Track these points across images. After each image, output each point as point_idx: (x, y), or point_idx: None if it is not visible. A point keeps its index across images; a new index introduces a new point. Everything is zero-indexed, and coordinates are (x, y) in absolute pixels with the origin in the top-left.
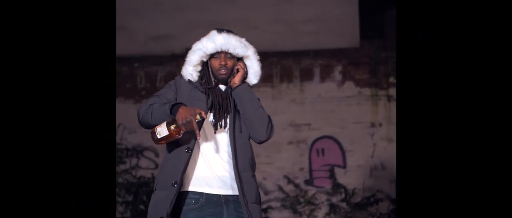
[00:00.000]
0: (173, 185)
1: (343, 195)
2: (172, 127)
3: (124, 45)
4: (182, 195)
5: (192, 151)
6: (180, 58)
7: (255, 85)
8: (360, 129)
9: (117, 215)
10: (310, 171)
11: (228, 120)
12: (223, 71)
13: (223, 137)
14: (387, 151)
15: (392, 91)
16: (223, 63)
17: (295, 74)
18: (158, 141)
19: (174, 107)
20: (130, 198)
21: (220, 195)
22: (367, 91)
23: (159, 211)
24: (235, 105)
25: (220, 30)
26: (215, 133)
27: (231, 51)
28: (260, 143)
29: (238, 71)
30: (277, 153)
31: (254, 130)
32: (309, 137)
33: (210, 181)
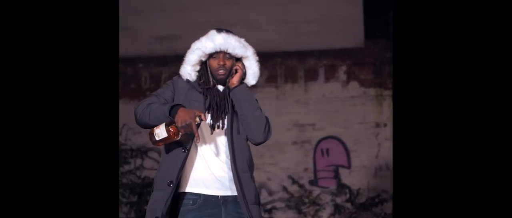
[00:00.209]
0: (168, 185)
1: (347, 196)
2: (171, 129)
3: (128, 46)
4: (180, 196)
5: (189, 151)
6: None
7: (259, 85)
8: (365, 129)
9: (122, 215)
10: (315, 171)
11: (225, 121)
12: (221, 71)
13: (220, 138)
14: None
15: None
16: (221, 63)
17: (299, 74)
18: (156, 142)
19: (173, 109)
20: (134, 199)
21: (217, 196)
22: (371, 91)
23: (155, 211)
24: (233, 106)
25: (219, 30)
26: (212, 133)
27: (230, 51)
28: (257, 144)
29: (236, 71)
30: (282, 153)
31: (251, 131)
32: (313, 137)
33: (208, 182)
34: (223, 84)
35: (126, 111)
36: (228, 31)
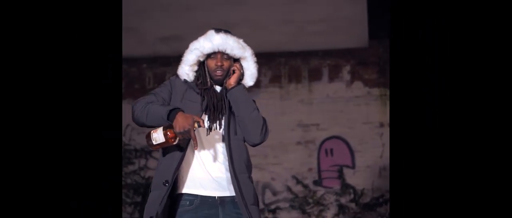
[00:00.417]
0: (164, 184)
1: (352, 196)
2: (169, 134)
3: (132, 47)
4: (177, 198)
5: (185, 151)
6: None
7: (263, 85)
8: (369, 129)
9: (126, 215)
10: (319, 171)
11: (223, 122)
12: (219, 72)
13: (217, 139)
14: None
15: None
16: (219, 64)
17: (303, 74)
18: (153, 146)
19: (172, 113)
20: (138, 199)
21: (215, 196)
22: (376, 91)
23: (150, 211)
24: (230, 107)
25: (217, 30)
26: (209, 134)
27: (228, 52)
28: (254, 145)
29: (234, 72)
30: (286, 153)
31: (248, 133)
32: (317, 137)
33: (205, 182)
34: (221, 85)
35: (130, 111)
36: (226, 31)
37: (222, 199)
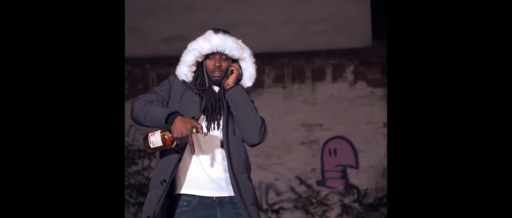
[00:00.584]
0: (161, 184)
1: (355, 196)
2: (167, 138)
3: (136, 47)
4: (175, 198)
5: (183, 151)
6: None
7: (266, 86)
8: (373, 129)
9: (129, 216)
10: (322, 171)
11: (221, 122)
12: (217, 73)
13: (216, 139)
14: None
15: None
16: (217, 64)
17: (307, 74)
18: (150, 148)
19: (170, 117)
20: (142, 199)
21: (212, 197)
22: (379, 91)
23: (148, 210)
24: (228, 107)
25: (216, 31)
26: (207, 134)
27: (226, 52)
28: (253, 146)
29: (232, 72)
30: (289, 153)
31: (246, 133)
32: (321, 137)
33: (202, 182)
34: (219, 86)
35: None
36: (225, 31)
37: (220, 199)
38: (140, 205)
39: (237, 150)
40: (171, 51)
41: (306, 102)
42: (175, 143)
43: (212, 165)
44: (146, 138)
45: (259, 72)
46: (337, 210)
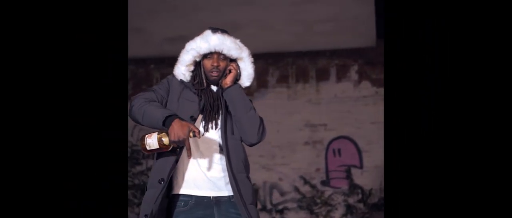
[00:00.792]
0: (159, 182)
1: (360, 196)
2: (164, 140)
3: (139, 47)
4: (173, 199)
5: (181, 150)
6: None
7: (270, 85)
8: (377, 129)
9: (134, 216)
10: (327, 171)
11: (219, 121)
12: (215, 72)
13: (214, 138)
14: None
15: None
16: (215, 64)
17: (311, 74)
18: (146, 150)
19: (168, 120)
20: None
21: (210, 197)
22: (383, 91)
23: (145, 209)
24: (226, 107)
25: (214, 30)
26: (205, 134)
27: (224, 52)
28: (251, 145)
29: (230, 71)
30: (293, 153)
31: (244, 132)
32: (325, 137)
33: (200, 182)
34: (217, 85)
35: None
36: (223, 31)
37: (217, 199)
38: None
39: (235, 149)
40: (175, 52)
41: (310, 102)
42: (171, 146)
43: (210, 164)
44: (143, 140)
45: (264, 72)
46: (341, 210)
